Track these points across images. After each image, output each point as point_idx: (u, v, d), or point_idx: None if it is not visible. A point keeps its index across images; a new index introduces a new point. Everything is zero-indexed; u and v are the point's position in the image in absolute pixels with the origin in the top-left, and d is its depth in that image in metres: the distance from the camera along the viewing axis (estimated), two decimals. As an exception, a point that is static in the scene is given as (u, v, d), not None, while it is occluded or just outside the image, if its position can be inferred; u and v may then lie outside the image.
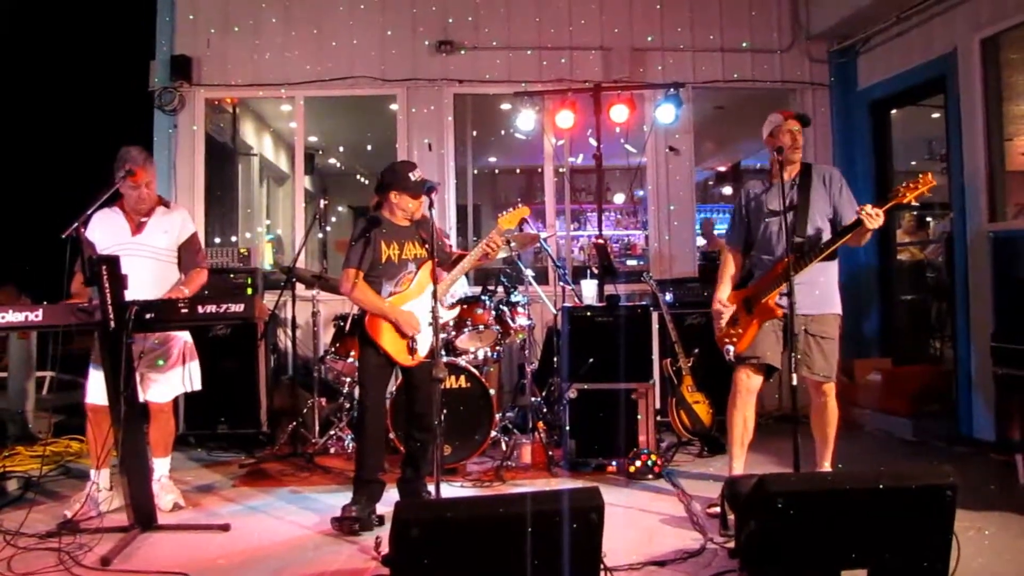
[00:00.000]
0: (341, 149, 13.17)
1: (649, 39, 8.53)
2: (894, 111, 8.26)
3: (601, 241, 7.32)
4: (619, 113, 7.72)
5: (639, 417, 5.90)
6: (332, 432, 6.57)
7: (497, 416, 5.98)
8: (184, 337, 5.17)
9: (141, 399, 4.92)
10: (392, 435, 5.71)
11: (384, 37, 8.36)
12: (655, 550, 4.12)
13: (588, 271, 7.38)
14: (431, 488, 4.39)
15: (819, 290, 4.94)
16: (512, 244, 5.42)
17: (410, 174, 4.69)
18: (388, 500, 4.50)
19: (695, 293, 7.53)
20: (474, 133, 10.61)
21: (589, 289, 6.95)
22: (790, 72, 8.63)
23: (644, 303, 6.68)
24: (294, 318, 6.96)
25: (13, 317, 4.19)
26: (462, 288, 6.52)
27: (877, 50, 8.04)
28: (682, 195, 8.62)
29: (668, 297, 7.37)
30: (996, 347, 5.88)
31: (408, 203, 4.70)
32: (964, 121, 6.72)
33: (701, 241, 10.05)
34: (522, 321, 6.47)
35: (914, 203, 4.68)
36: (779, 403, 7.99)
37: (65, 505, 4.94)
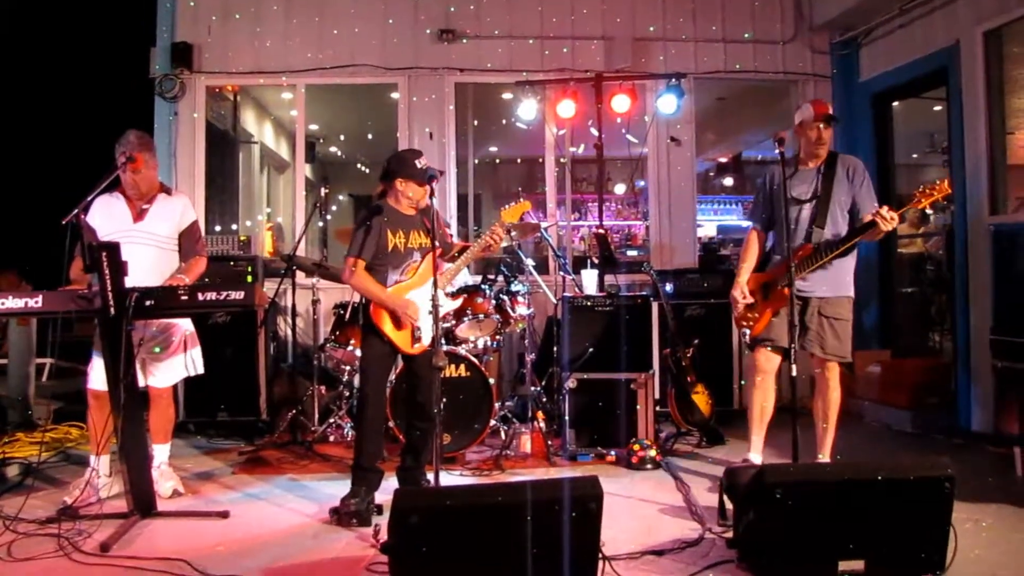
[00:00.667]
0: (342, 137, 13.15)
1: (651, 29, 8.51)
2: (896, 103, 8.25)
3: (602, 231, 7.31)
4: (620, 103, 7.71)
5: (638, 407, 5.91)
6: (331, 420, 6.58)
7: (497, 405, 5.98)
8: (185, 325, 5.17)
9: (141, 384, 4.93)
10: (392, 423, 5.72)
11: (386, 25, 8.34)
12: (653, 540, 4.13)
13: (588, 261, 7.37)
14: (430, 476, 4.40)
15: (834, 273, 5.06)
16: (513, 233, 5.42)
17: (416, 161, 4.68)
18: (387, 489, 4.50)
19: (695, 284, 7.53)
20: (475, 122, 10.59)
21: (589, 279, 6.94)
22: (792, 63, 8.62)
23: (644, 293, 6.68)
24: (294, 306, 6.96)
25: (13, 303, 4.19)
26: (462, 277, 6.52)
27: (879, 42, 8.02)
28: (683, 186, 8.61)
29: (668, 288, 7.37)
30: (995, 340, 5.88)
31: (414, 190, 4.69)
32: (966, 114, 6.71)
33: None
34: (522, 310, 6.47)
35: (928, 209, 4.74)
36: (778, 394, 7.99)
37: (65, 491, 4.94)
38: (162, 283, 4.80)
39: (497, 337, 6.34)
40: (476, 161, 11.90)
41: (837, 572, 3.44)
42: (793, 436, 4.51)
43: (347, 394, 6.59)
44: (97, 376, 4.84)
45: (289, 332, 7.56)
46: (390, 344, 4.64)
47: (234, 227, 9.57)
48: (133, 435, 4.42)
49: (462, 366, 5.88)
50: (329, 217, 8.18)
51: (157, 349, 5.03)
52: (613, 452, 5.88)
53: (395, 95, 8.53)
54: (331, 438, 6.51)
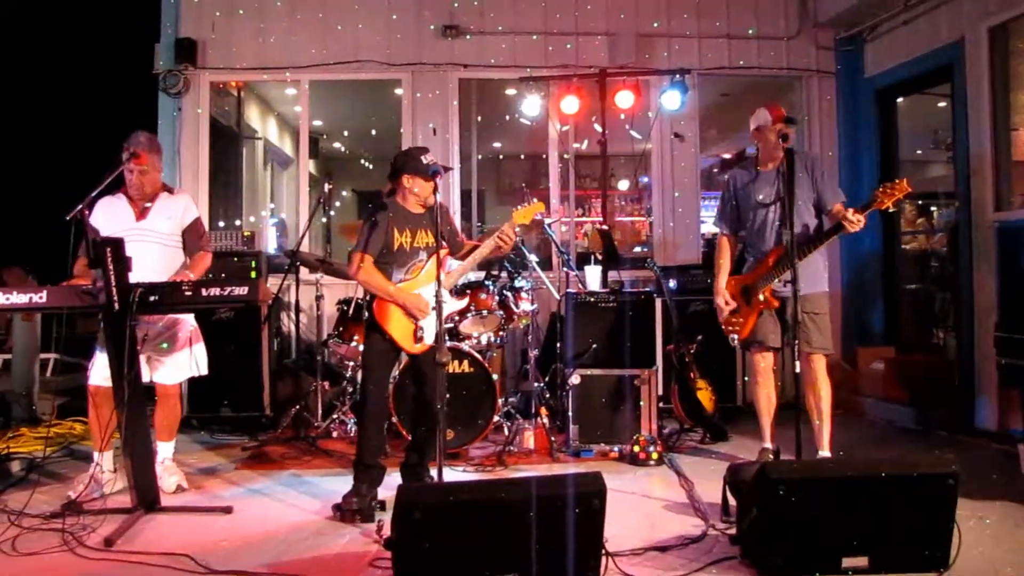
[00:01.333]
0: (346, 133, 13.14)
1: (655, 25, 8.50)
2: (900, 99, 8.23)
3: (605, 227, 7.30)
4: (624, 99, 7.71)
5: (642, 403, 5.91)
6: (335, 416, 6.58)
7: (500, 401, 5.98)
8: (190, 321, 5.18)
9: (147, 380, 4.95)
10: (395, 419, 5.72)
11: (389, 21, 8.34)
12: (656, 536, 4.13)
13: (592, 257, 7.36)
14: (433, 472, 4.41)
15: (808, 271, 5.10)
16: (517, 229, 5.42)
17: (423, 157, 4.67)
18: (390, 484, 4.49)
19: (699, 280, 7.52)
20: (479, 118, 10.60)
21: (593, 275, 6.94)
22: (796, 59, 8.60)
23: (648, 289, 6.67)
24: (298, 302, 6.96)
25: (17, 299, 4.21)
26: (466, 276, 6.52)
27: (884, 38, 8.00)
28: (687, 182, 8.60)
29: (672, 284, 7.37)
30: (1000, 337, 5.87)
31: (421, 186, 4.67)
32: (970, 110, 6.70)
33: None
34: (526, 306, 6.46)
35: (891, 208, 4.85)
36: (781, 391, 7.98)
37: (69, 486, 4.95)
38: (170, 277, 4.81)
39: (500, 333, 6.34)
40: (480, 157, 11.91)
41: (841, 569, 3.44)
42: (796, 433, 4.51)
43: (350, 390, 6.59)
44: (98, 372, 4.85)
45: (293, 328, 7.57)
46: (391, 342, 4.64)
47: (238, 223, 9.57)
48: (136, 431, 4.43)
49: (465, 362, 5.88)
50: (333, 213, 8.17)
51: (164, 345, 5.04)
52: (616, 448, 5.88)
53: (399, 91, 8.53)
54: (334, 434, 6.51)
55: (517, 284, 6.52)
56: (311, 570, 3.68)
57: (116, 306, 4.20)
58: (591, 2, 8.46)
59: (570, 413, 5.97)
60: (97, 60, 9.88)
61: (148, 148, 4.97)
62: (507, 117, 10.84)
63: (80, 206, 4.32)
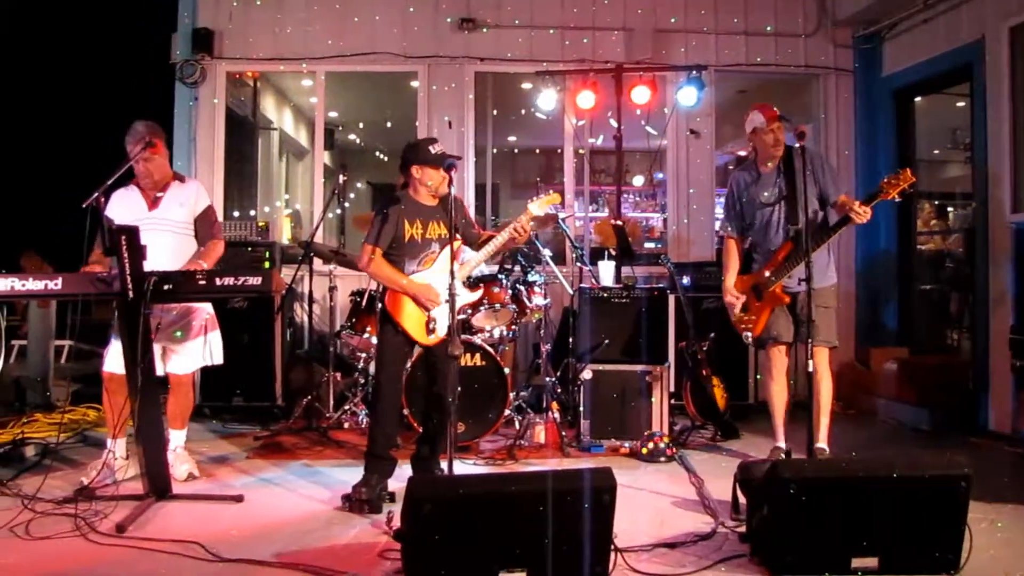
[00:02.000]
0: (361, 125, 13.15)
1: (672, 21, 8.47)
2: (918, 99, 8.18)
3: (619, 223, 7.29)
4: (640, 95, 7.69)
5: (653, 399, 5.91)
6: (346, 407, 6.60)
7: (511, 395, 5.98)
8: (206, 309, 5.20)
9: (162, 371, 4.97)
10: (407, 412, 5.73)
11: (406, 13, 8.34)
12: (666, 532, 4.12)
13: (606, 252, 7.35)
14: (444, 465, 4.41)
15: (817, 265, 5.08)
16: (531, 223, 5.43)
17: (430, 147, 4.67)
18: (400, 476, 4.51)
19: (713, 277, 7.47)
20: (494, 112, 10.59)
21: (606, 270, 6.93)
22: (814, 57, 8.56)
23: (661, 286, 6.66)
24: (311, 293, 6.98)
25: (33, 285, 4.23)
26: (478, 267, 6.52)
27: (903, 37, 7.95)
28: (702, 179, 8.58)
29: (685, 280, 7.35)
30: (1015, 339, 5.85)
31: (430, 177, 4.67)
32: (990, 110, 6.65)
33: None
34: (538, 301, 6.46)
35: (897, 198, 4.87)
36: (794, 389, 7.96)
37: (82, 472, 4.99)
38: (181, 268, 4.82)
39: (513, 327, 6.34)
40: (495, 151, 11.90)
41: (850, 569, 3.43)
42: (808, 432, 4.50)
43: (362, 381, 6.61)
44: (112, 359, 4.88)
45: (306, 319, 7.59)
46: (404, 334, 4.64)
47: (252, 213, 9.60)
48: (149, 418, 4.45)
49: (477, 355, 5.89)
50: (347, 205, 8.19)
51: (179, 334, 5.06)
52: (627, 444, 5.88)
53: (415, 83, 8.52)
54: (346, 425, 6.53)
55: (530, 278, 6.52)
56: (321, 560, 3.69)
57: (130, 294, 4.22)
58: (608, -3, 8.45)
59: (581, 408, 5.97)
60: (114, 49, 9.94)
61: (159, 135, 5.00)
62: (523, 111, 10.84)
63: (96, 194, 4.34)
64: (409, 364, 5.49)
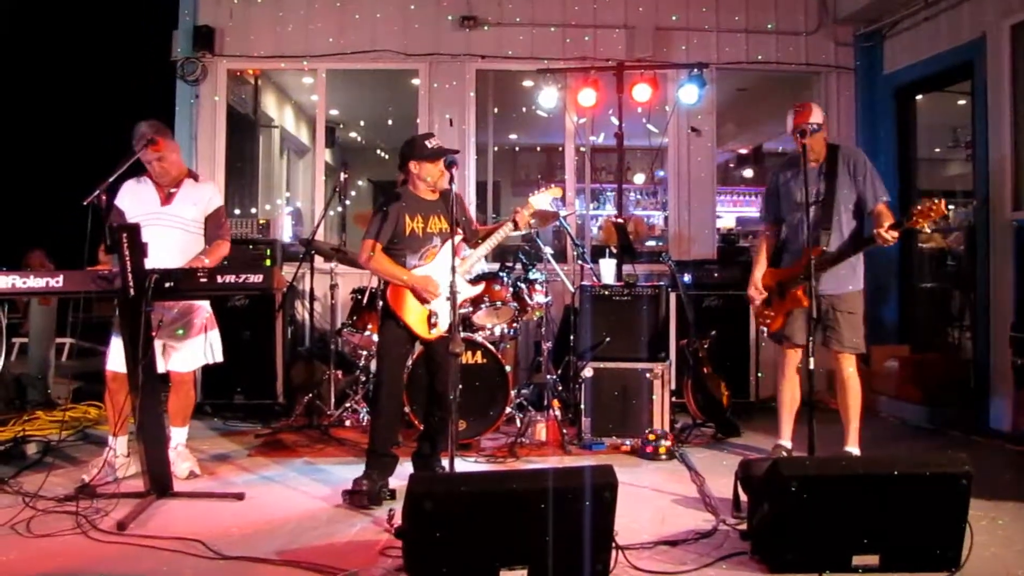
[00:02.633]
0: (362, 123, 13.15)
1: (673, 18, 8.46)
2: (919, 97, 8.17)
3: (620, 220, 7.29)
4: (642, 92, 7.69)
5: (654, 397, 5.91)
6: (347, 405, 6.61)
7: (512, 393, 5.98)
8: (206, 308, 5.20)
9: (163, 369, 4.97)
10: (408, 409, 5.73)
11: (407, 11, 8.33)
12: (667, 530, 4.13)
13: (607, 250, 7.35)
14: (445, 463, 4.41)
15: (843, 270, 5.17)
16: (532, 221, 5.44)
17: (426, 142, 4.70)
18: (401, 474, 4.52)
19: (713, 275, 7.52)
20: (495, 109, 10.58)
21: (608, 268, 6.93)
22: (815, 55, 8.55)
23: (662, 283, 6.66)
24: (312, 290, 6.99)
25: (34, 283, 4.23)
26: (480, 265, 6.52)
27: (904, 35, 7.94)
28: (703, 177, 8.57)
29: (686, 278, 7.35)
30: (1016, 337, 5.84)
31: (428, 172, 4.69)
32: (991, 108, 6.64)
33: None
34: (539, 298, 6.45)
35: (927, 229, 4.87)
36: (802, 389, 7.96)
37: (83, 470, 4.99)
38: (185, 263, 4.83)
39: (514, 325, 6.34)
40: (496, 148, 11.90)
41: (851, 566, 3.43)
42: (809, 429, 4.49)
43: (363, 379, 6.61)
44: (115, 357, 4.87)
45: (307, 316, 7.59)
46: (407, 329, 4.65)
47: (253, 211, 9.60)
48: (151, 416, 4.45)
49: (478, 353, 5.89)
50: (348, 202, 8.18)
51: (180, 331, 5.07)
52: (628, 442, 5.88)
53: (416, 81, 8.52)
54: (347, 422, 6.54)
55: (531, 276, 6.51)
56: (322, 558, 3.69)
57: (131, 292, 4.22)
58: (610, -6, 8.45)
59: (583, 406, 5.98)
60: (116, 46, 9.92)
61: (161, 133, 4.99)
62: (524, 109, 10.83)
63: (97, 191, 4.35)
64: (411, 362, 5.50)
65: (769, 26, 8.50)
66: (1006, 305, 6.38)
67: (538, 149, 14.91)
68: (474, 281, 5.45)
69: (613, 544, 3.38)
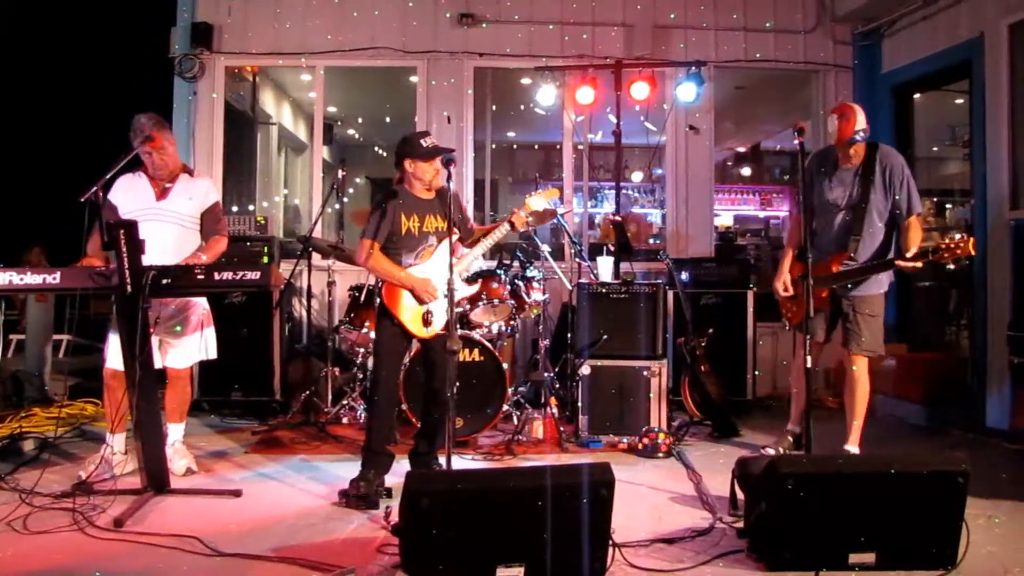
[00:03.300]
0: (360, 120, 13.14)
1: (672, 16, 8.46)
2: (917, 96, 8.18)
3: (618, 219, 7.30)
4: (639, 90, 7.69)
5: (652, 395, 5.91)
6: (345, 402, 6.61)
7: (509, 390, 5.98)
8: (202, 304, 5.19)
9: (159, 365, 4.96)
10: (405, 407, 5.74)
11: (406, 8, 8.32)
12: (664, 528, 4.13)
13: (605, 248, 7.36)
14: (442, 460, 4.41)
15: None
16: (530, 219, 5.44)
17: (422, 140, 4.68)
18: (398, 471, 4.50)
19: (711, 273, 7.53)
20: (493, 107, 10.57)
21: (605, 266, 6.93)
22: (813, 53, 8.55)
23: (659, 281, 6.67)
24: (309, 288, 6.98)
25: (32, 279, 4.22)
26: (477, 263, 6.53)
27: (902, 33, 7.95)
28: (701, 175, 8.58)
29: (684, 276, 7.36)
30: (1013, 336, 5.84)
31: (423, 170, 4.68)
32: (988, 107, 6.65)
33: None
34: (537, 296, 6.46)
35: (951, 265, 4.81)
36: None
37: (80, 466, 4.99)
38: (183, 260, 4.82)
39: (511, 322, 6.34)
40: (494, 146, 11.89)
41: (848, 564, 3.43)
42: (806, 427, 4.50)
43: (361, 376, 6.61)
44: (113, 355, 4.87)
45: (304, 313, 7.59)
46: (401, 327, 4.64)
47: (251, 208, 9.59)
48: (148, 413, 4.44)
49: (476, 350, 5.89)
50: (346, 199, 8.18)
51: (178, 328, 5.06)
52: (625, 439, 5.88)
53: (414, 79, 8.52)
54: (344, 420, 6.54)
55: (529, 274, 6.52)
56: (319, 555, 3.69)
57: (129, 288, 4.21)
58: (608, -8, 8.44)
59: (580, 403, 5.98)
60: (114, 43, 9.92)
61: (158, 128, 4.96)
62: (522, 106, 10.82)
63: (94, 187, 4.34)
64: (408, 359, 5.50)
65: (767, 24, 8.50)
66: (1004, 304, 6.39)
67: (536, 147, 14.90)
68: (470, 280, 5.45)
69: (610, 542, 3.39)
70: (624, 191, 12.27)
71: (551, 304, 6.96)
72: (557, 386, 6.51)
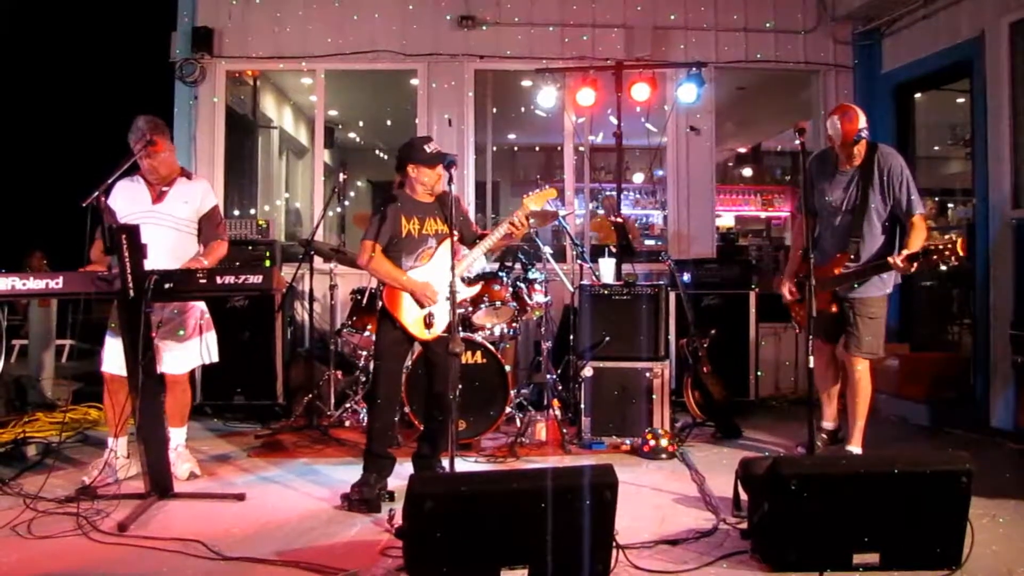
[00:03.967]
0: (361, 123, 13.16)
1: (672, 17, 8.46)
2: (918, 95, 8.17)
3: (620, 220, 7.29)
4: (640, 92, 7.69)
5: (654, 396, 5.91)
6: (347, 405, 6.61)
7: (512, 392, 5.97)
8: (202, 308, 5.19)
9: (158, 370, 4.96)
10: (408, 409, 5.74)
11: (406, 11, 8.33)
12: (668, 529, 4.13)
13: (607, 249, 7.36)
14: (445, 463, 4.41)
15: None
16: (531, 221, 5.44)
17: (425, 146, 4.69)
18: (402, 474, 4.50)
19: (713, 274, 7.53)
20: (494, 109, 10.59)
21: (607, 268, 6.93)
22: (814, 54, 8.55)
23: (661, 282, 6.66)
24: (311, 291, 6.98)
25: (34, 284, 4.22)
26: (479, 264, 6.52)
27: (903, 33, 7.94)
28: (702, 176, 8.58)
29: (686, 277, 7.36)
30: (1016, 335, 5.84)
31: (426, 175, 4.68)
32: (990, 106, 6.64)
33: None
34: (539, 298, 6.46)
35: (942, 267, 4.81)
36: (795, 386, 7.98)
37: (83, 471, 4.99)
38: (181, 266, 4.82)
39: (514, 324, 6.34)
40: (495, 148, 11.90)
41: (851, 565, 3.43)
42: (809, 428, 4.50)
43: (363, 379, 6.61)
44: (110, 359, 4.88)
45: (306, 317, 7.60)
46: (403, 330, 4.64)
47: (252, 211, 9.60)
48: (151, 417, 4.45)
49: (478, 353, 5.88)
50: (347, 203, 8.19)
51: (181, 332, 5.06)
52: (628, 441, 5.88)
53: (414, 81, 8.52)
54: (347, 423, 6.54)
55: (531, 276, 6.52)
56: (322, 558, 3.69)
57: (131, 293, 4.21)
58: (608, -6, 8.45)
59: (582, 405, 5.97)
60: (114, 48, 9.94)
61: (159, 132, 4.96)
62: (522, 108, 10.84)
63: (96, 192, 4.34)
64: (410, 362, 5.50)
65: (768, 24, 8.50)
66: (1006, 303, 6.38)
67: (537, 149, 14.93)
68: (471, 282, 5.44)
69: (613, 543, 3.39)
70: (609, 193, 12.36)
71: (553, 306, 6.96)
72: (559, 388, 6.50)
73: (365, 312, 6.42)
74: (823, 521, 3.43)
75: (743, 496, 4.16)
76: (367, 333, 6.31)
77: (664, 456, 5.59)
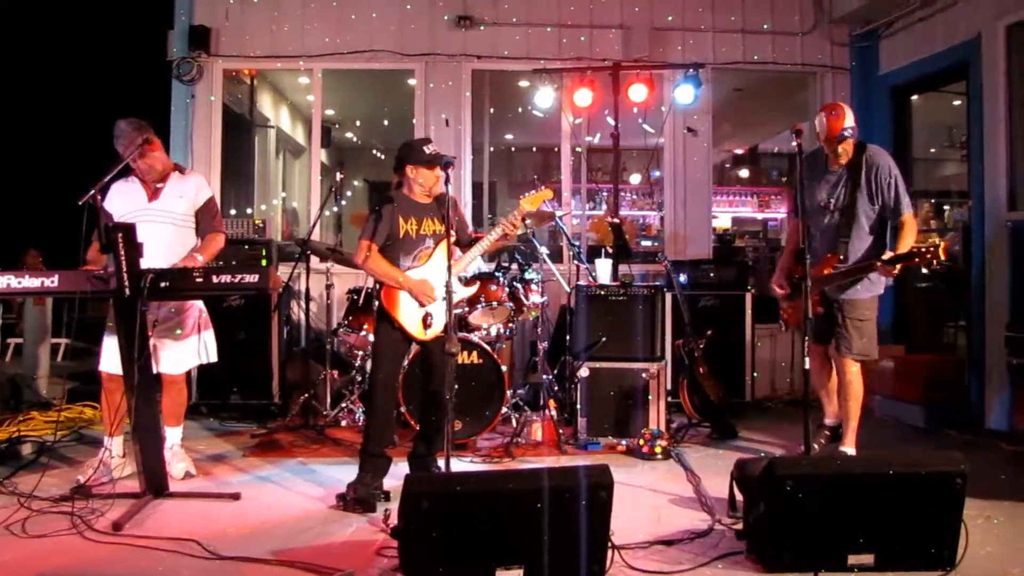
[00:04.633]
0: (358, 123, 13.16)
1: (669, 19, 8.47)
2: (915, 97, 8.19)
3: (616, 220, 7.30)
4: (637, 93, 7.70)
5: (650, 397, 5.91)
6: (343, 405, 6.61)
7: (508, 393, 5.98)
8: (199, 307, 5.18)
9: (154, 370, 4.95)
10: (404, 409, 5.74)
11: (403, 11, 8.33)
12: (663, 530, 4.13)
13: (603, 250, 7.36)
14: (441, 463, 4.41)
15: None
16: (527, 221, 5.43)
17: (424, 147, 4.69)
18: (397, 474, 4.50)
19: (709, 275, 7.53)
20: (491, 110, 10.58)
21: (603, 268, 6.93)
22: (811, 55, 8.56)
23: (658, 283, 6.67)
24: (308, 290, 6.98)
25: (30, 283, 4.21)
26: (475, 264, 6.52)
27: (900, 35, 7.95)
28: (699, 177, 8.58)
29: (682, 278, 7.36)
30: (1011, 337, 5.84)
31: (424, 176, 4.69)
32: (986, 108, 6.65)
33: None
34: (535, 299, 6.46)
35: (924, 269, 4.81)
36: (791, 387, 7.99)
37: (78, 470, 4.98)
38: (178, 261, 4.81)
39: (510, 325, 6.34)
40: (492, 149, 11.89)
41: (846, 565, 3.43)
42: (805, 429, 4.50)
43: (359, 379, 6.61)
44: (108, 358, 4.87)
45: (302, 316, 7.57)
46: (401, 330, 4.64)
47: (249, 211, 9.59)
48: (146, 416, 4.44)
49: (474, 353, 5.88)
50: (344, 202, 8.19)
51: (178, 331, 5.05)
52: (624, 442, 5.88)
53: (412, 81, 8.52)
54: (343, 423, 6.53)
55: (527, 276, 6.52)
56: (318, 558, 3.69)
57: (127, 292, 4.21)
58: (606, -5, 8.45)
59: (578, 406, 5.97)
60: (110, 46, 9.92)
61: (151, 131, 4.97)
62: (520, 109, 10.83)
63: (92, 191, 4.32)
64: (407, 362, 5.50)
65: (765, 26, 8.51)
66: (1001, 304, 6.39)
67: (534, 149, 14.92)
68: (468, 281, 5.44)
69: (609, 544, 3.39)
70: (602, 194, 12.37)
71: (549, 306, 6.96)
72: (556, 388, 6.51)
73: (361, 311, 6.42)
74: (818, 522, 3.44)
75: (739, 497, 4.17)
76: (363, 332, 6.31)
77: (660, 457, 5.59)
